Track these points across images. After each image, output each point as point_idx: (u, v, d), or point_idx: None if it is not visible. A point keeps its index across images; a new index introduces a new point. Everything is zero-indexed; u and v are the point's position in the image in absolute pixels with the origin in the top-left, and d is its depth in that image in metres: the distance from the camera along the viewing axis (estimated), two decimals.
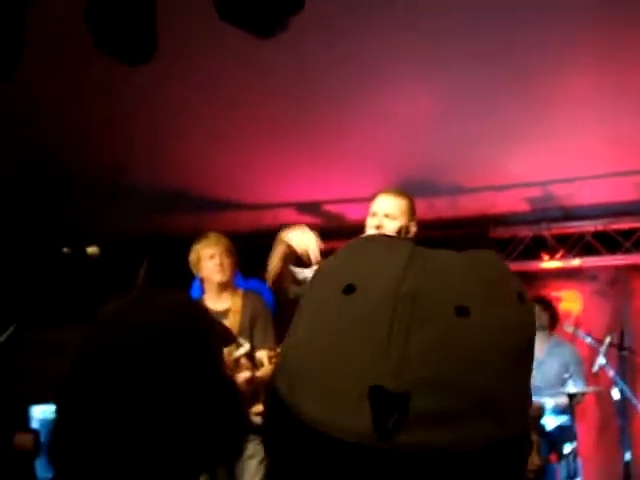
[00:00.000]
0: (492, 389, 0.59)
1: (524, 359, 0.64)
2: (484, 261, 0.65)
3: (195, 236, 6.22)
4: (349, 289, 0.62)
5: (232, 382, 1.27)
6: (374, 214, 3.52)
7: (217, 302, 4.28)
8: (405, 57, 4.58)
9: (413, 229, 3.53)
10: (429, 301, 0.60)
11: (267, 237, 4.68)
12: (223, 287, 4.31)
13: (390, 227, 3.44)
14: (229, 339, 1.35)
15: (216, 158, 5.88)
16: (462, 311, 0.59)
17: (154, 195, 6.31)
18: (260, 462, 3.97)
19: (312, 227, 6.86)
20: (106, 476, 1.09)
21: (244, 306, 4.27)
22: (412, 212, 3.55)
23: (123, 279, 6.74)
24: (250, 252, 4.85)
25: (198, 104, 5.06)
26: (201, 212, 6.75)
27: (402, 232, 3.46)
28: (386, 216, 3.48)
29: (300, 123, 5.41)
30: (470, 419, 0.58)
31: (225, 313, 4.20)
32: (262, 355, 4.09)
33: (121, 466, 1.08)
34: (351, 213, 6.73)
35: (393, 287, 0.60)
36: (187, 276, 6.60)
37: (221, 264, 4.28)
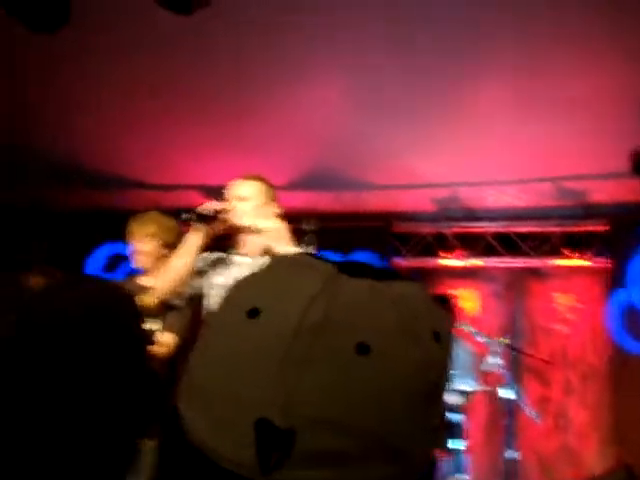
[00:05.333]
0: (390, 432, 0.57)
1: (432, 399, 0.61)
2: (404, 295, 0.61)
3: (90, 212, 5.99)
4: (254, 313, 0.59)
5: (156, 375, 1.25)
6: (228, 201, 3.46)
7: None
8: (325, 50, 4.56)
9: (274, 211, 3.47)
10: (331, 336, 0.57)
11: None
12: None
13: (244, 208, 3.40)
14: (149, 340, 1.33)
15: (126, 135, 5.73)
16: (363, 349, 0.56)
17: (50, 167, 6.08)
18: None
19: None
20: (25, 462, 1.07)
21: None
22: (268, 194, 3.52)
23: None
24: None
25: (110, 77, 4.91)
26: (111, 189, 6.59)
27: (259, 213, 3.42)
28: (239, 199, 3.43)
29: (215, 106, 5.31)
30: (361, 461, 0.56)
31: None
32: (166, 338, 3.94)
33: (40, 454, 1.07)
34: None
35: (297, 317, 0.57)
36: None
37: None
